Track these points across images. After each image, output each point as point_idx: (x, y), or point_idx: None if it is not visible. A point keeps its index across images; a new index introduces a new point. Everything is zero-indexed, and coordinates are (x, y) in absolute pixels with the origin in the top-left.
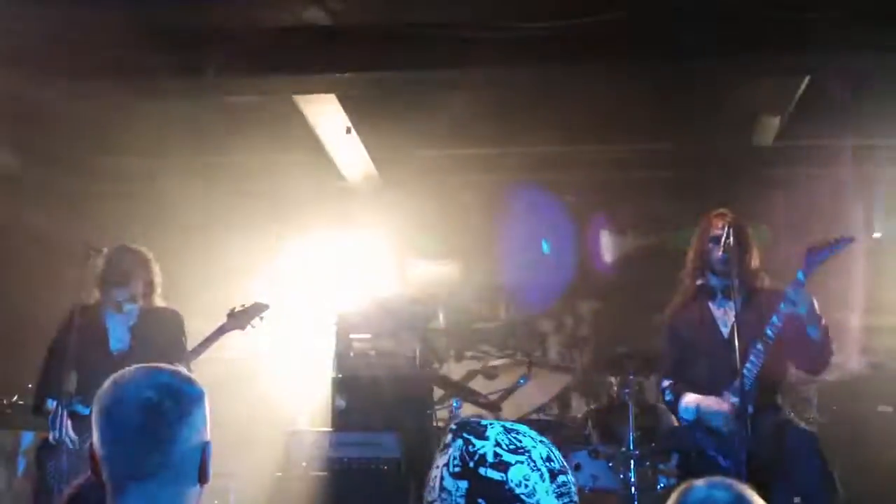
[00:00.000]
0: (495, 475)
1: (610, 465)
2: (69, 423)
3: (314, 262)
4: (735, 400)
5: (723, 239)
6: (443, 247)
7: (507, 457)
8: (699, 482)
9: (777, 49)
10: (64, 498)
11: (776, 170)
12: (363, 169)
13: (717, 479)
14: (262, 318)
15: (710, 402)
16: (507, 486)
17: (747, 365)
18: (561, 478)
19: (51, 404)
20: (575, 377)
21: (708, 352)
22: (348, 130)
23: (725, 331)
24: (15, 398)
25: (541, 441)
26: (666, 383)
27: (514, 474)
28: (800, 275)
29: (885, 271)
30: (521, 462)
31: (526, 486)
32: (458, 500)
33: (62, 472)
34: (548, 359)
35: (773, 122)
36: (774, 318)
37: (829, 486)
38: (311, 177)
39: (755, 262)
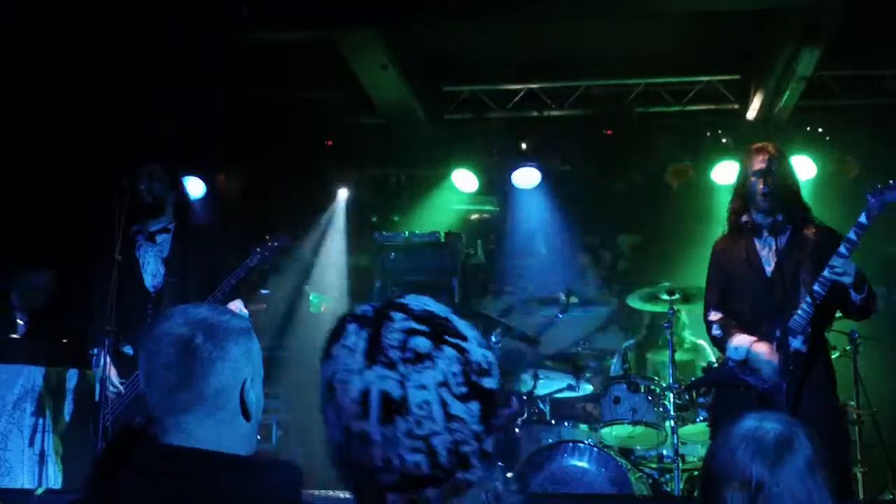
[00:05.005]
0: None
1: (649, 398)
2: (112, 367)
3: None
4: (795, 344)
5: (765, 172)
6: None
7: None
8: (751, 415)
9: None
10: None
11: None
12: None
13: (768, 412)
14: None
15: (762, 349)
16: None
17: (803, 306)
18: None
19: (94, 351)
20: (612, 312)
21: (751, 290)
22: (384, 67)
23: (769, 269)
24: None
25: None
26: (714, 316)
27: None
28: (862, 217)
29: None
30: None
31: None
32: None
33: (108, 418)
34: (586, 293)
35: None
36: (835, 261)
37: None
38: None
39: (800, 194)
